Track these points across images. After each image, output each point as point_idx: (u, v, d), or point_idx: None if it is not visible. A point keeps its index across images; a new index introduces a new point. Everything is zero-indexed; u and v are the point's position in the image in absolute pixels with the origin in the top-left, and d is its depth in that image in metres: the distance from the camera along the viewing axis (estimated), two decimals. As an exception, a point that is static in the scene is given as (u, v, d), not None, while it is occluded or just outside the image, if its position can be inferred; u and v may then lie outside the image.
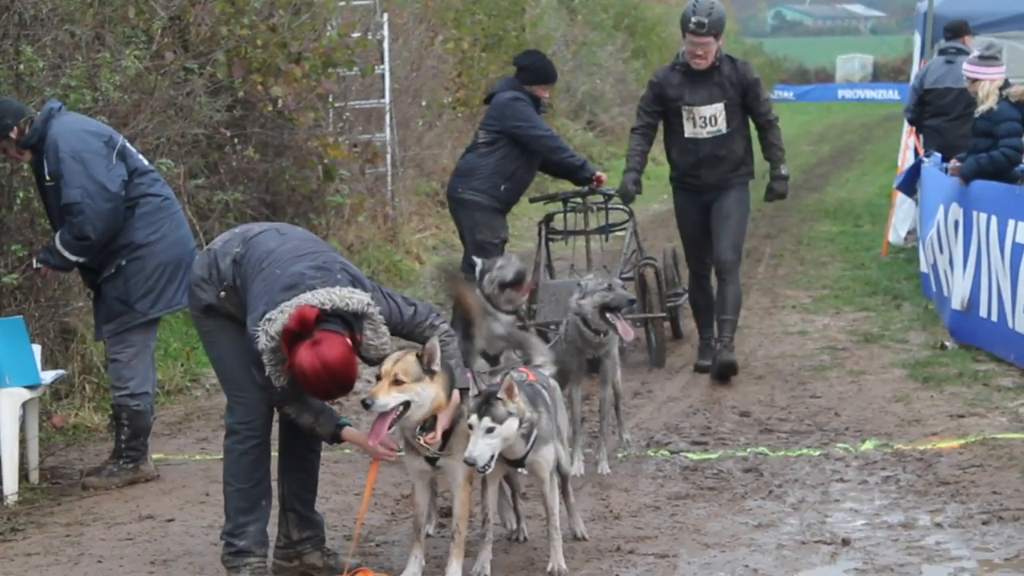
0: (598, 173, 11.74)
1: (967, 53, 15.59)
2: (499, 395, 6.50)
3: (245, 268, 6.54)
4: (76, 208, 8.31)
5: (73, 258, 8.49)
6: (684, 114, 11.01)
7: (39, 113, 8.57)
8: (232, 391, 6.75)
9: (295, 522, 6.94)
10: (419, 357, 6.45)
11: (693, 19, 10.74)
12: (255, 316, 6.34)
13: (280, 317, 6.24)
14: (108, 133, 8.61)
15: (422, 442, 6.54)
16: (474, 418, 6.45)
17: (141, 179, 8.58)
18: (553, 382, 7.35)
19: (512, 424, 6.51)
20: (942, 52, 15.66)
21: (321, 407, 6.53)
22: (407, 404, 6.44)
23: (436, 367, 6.47)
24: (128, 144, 8.73)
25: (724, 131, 11.00)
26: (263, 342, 6.26)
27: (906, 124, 16.52)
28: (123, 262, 8.46)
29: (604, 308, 8.58)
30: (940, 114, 15.20)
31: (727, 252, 11.04)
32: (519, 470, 7.05)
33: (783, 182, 11.21)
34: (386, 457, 6.60)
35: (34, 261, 8.80)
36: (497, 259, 8.86)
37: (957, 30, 15.95)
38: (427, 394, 6.45)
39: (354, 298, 6.35)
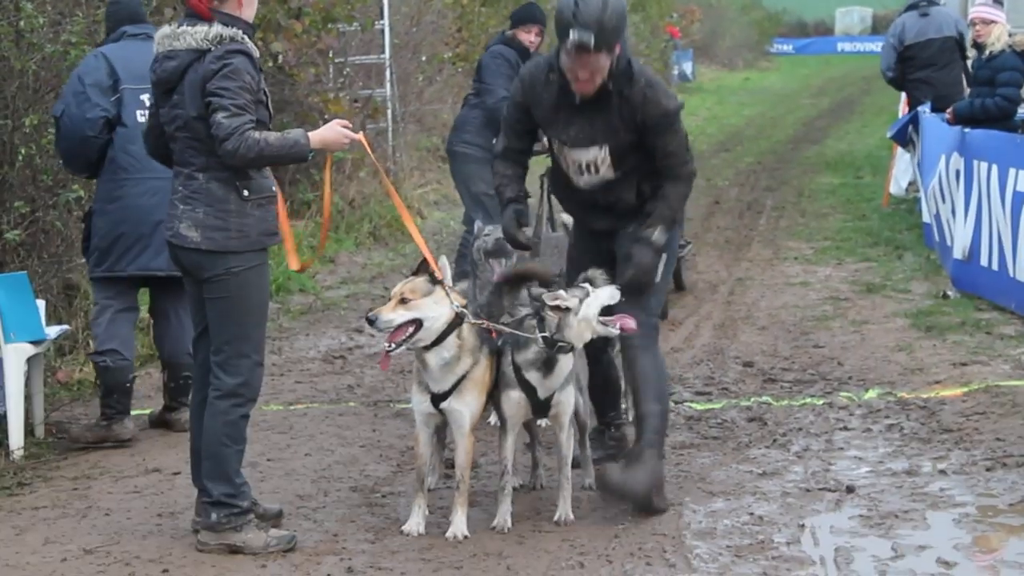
0: None
1: (938, 4, 15.79)
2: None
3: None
4: (57, 122, 8.47)
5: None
6: (555, 146, 7.44)
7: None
8: (248, 348, 6.52)
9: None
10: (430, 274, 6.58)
11: (572, 35, 6.79)
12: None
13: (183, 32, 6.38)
14: (121, 75, 8.33)
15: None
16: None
17: (122, 131, 8.35)
18: None
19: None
20: (912, 7, 15.74)
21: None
22: (418, 323, 6.52)
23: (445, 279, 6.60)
24: (139, 96, 8.25)
25: (612, 177, 7.30)
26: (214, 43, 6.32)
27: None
28: (93, 207, 8.55)
29: None
30: (927, 66, 15.38)
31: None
32: (540, 423, 7.15)
33: (647, 249, 7.14)
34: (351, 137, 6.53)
35: None
36: (488, 226, 8.83)
37: None
38: (439, 309, 6.54)
39: None
